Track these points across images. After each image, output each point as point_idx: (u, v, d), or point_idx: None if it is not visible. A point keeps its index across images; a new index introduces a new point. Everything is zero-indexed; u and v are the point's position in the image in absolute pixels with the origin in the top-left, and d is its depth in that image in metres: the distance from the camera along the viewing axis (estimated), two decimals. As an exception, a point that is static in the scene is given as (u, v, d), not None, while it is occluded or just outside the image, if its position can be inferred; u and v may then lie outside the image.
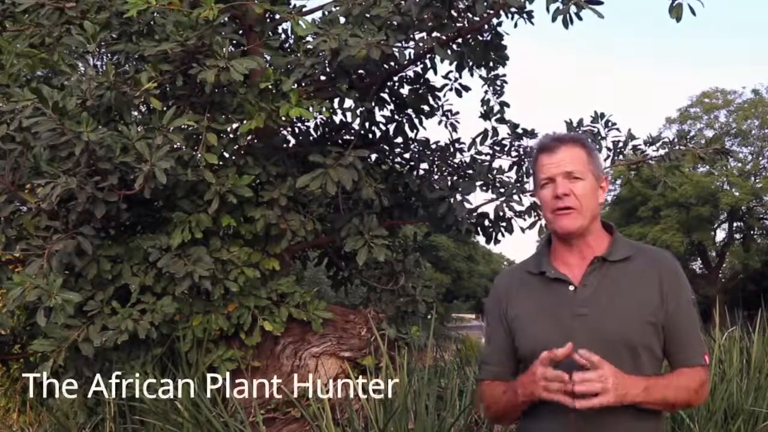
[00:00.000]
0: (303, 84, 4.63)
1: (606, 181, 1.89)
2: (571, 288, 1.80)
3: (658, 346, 1.78)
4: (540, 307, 1.83)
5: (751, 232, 29.78)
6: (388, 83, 5.45)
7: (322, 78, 4.58)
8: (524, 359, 1.85)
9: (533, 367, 1.70)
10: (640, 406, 1.68)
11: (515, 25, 5.10)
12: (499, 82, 5.70)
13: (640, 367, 1.74)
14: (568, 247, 1.84)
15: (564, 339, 1.72)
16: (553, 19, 3.79)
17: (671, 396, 1.72)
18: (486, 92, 5.72)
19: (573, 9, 3.77)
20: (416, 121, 5.61)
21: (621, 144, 5.28)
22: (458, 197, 5.02)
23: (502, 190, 5.20)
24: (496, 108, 5.68)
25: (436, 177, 5.59)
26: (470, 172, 5.47)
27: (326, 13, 4.49)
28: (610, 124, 5.30)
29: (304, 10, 4.50)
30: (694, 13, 3.58)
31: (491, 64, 5.56)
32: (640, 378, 1.68)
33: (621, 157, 5.30)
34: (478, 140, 5.61)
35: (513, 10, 4.84)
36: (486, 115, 5.68)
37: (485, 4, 4.19)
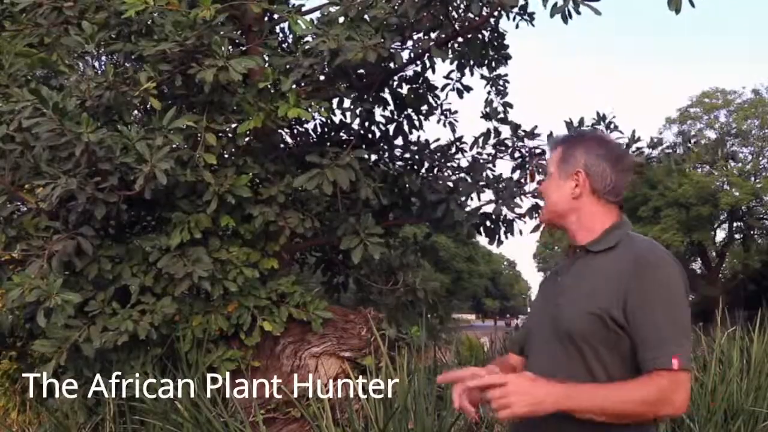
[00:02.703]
0: (302, 84, 4.63)
1: (579, 174, 1.82)
2: (559, 278, 1.86)
3: (615, 341, 1.66)
4: (540, 298, 1.94)
5: (751, 232, 29.78)
6: (388, 83, 5.45)
7: (321, 78, 4.58)
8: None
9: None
10: (577, 415, 1.58)
11: (516, 26, 5.12)
12: (501, 82, 5.70)
13: (598, 363, 1.67)
14: (570, 240, 1.91)
15: (539, 326, 1.84)
16: (552, 15, 3.80)
17: (609, 407, 1.58)
18: (489, 93, 5.71)
19: (570, 5, 3.78)
20: (416, 121, 5.61)
21: (624, 146, 5.26)
22: (456, 201, 5.01)
23: (502, 191, 5.19)
24: (500, 109, 5.66)
25: (436, 177, 5.59)
26: (471, 173, 5.47)
27: (324, 13, 4.49)
28: (612, 126, 5.30)
29: (302, 9, 4.50)
30: (693, 4, 3.55)
31: (493, 63, 5.56)
32: (559, 385, 1.58)
33: None
34: (480, 140, 5.61)
35: (515, 10, 4.85)
36: (488, 116, 5.66)
37: (480, 3, 4.19)
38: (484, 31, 5.19)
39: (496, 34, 5.36)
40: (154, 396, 4.23)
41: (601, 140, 1.91)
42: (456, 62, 5.38)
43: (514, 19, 5.05)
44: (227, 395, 4.35)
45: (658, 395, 1.58)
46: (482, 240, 5.73)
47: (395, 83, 5.55)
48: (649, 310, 1.64)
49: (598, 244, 1.79)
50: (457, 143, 5.73)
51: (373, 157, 5.40)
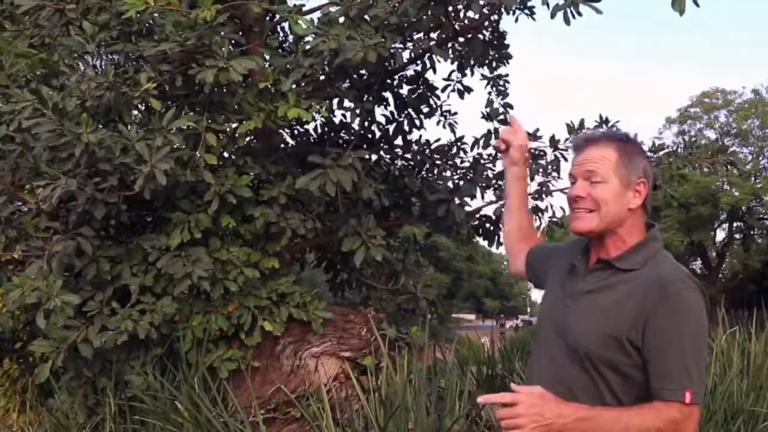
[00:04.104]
0: (302, 84, 4.63)
1: (643, 185, 1.74)
2: (578, 279, 1.79)
3: (626, 365, 1.65)
4: (556, 289, 1.86)
5: (751, 232, 29.74)
6: (388, 83, 5.45)
7: (321, 78, 4.58)
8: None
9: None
10: None
11: (516, 20, 5.10)
12: (501, 82, 5.68)
13: (602, 381, 1.66)
14: (593, 243, 1.82)
15: (550, 324, 1.80)
16: (552, 16, 3.79)
17: (618, 431, 1.58)
18: (490, 93, 5.70)
19: (570, 8, 3.77)
20: (416, 121, 5.61)
21: None
22: (456, 201, 5.01)
23: (502, 193, 5.20)
24: (501, 110, 5.64)
25: (436, 177, 5.59)
26: (471, 173, 5.47)
27: (325, 13, 4.49)
28: (614, 129, 5.28)
29: (303, 10, 4.49)
30: (697, 4, 3.52)
31: (494, 64, 5.55)
32: (574, 407, 1.59)
33: None
34: (481, 141, 5.60)
35: (514, 6, 4.85)
36: (489, 117, 5.65)
37: (481, 3, 4.19)
38: (484, 31, 5.18)
39: (496, 34, 5.36)
40: (154, 396, 4.24)
41: (639, 144, 1.80)
42: (456, 62, 5.38)
43: (514, 13, 5.05)
44: (227, 395, 4.35)
45: (671, 427, 1.58)
46: (482, 240, 5.73)
47: (395, 83, 5.55)
48: (668, 339, 1.61)
49: (625, 261, 1.72)
50: (458, 143, 5.73)
51: (374, 157, 5.40)
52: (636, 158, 1.74)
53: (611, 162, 1.72)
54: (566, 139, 5.39)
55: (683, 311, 1.62)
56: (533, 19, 5.09)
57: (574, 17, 3.85)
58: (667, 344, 1.61)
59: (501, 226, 5.48)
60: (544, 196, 5.35)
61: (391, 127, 5.60)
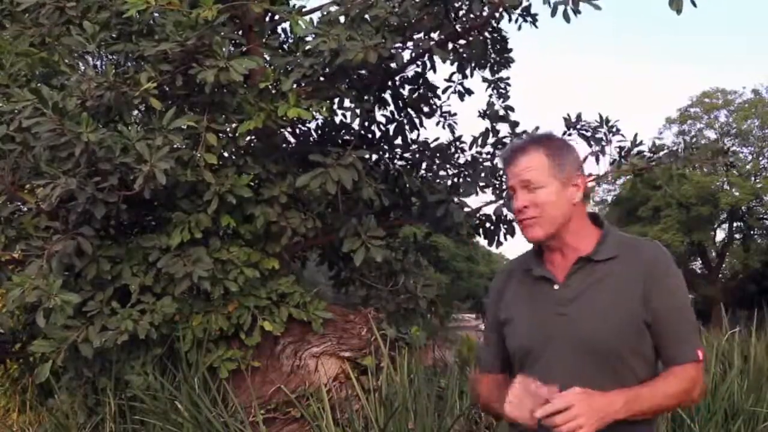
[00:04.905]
0: (302, 84, 4.63)
1: (581, 179, 1.77)
2: (555, 287, 1.77)
3: (647, 347, 1.72)
4: (526, 307, 1.82)
5: (751, 232, 29.76)
6: (388, 83, 5.45)
7: (321, 78, 4.58)
8: (512, 359, 1.87)
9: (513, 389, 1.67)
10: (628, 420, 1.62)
11: (519, 28, 5.10)
12: (502, 85, 5.68)
13: (627, 370, 1.69)
14: (549, 248, 1.81)
15: (545, 339, 1.75)
16: (553, 14, 3.80)
17: (658, 402, 1.66)
18: (491, 96, 5.69)
19: (570, 5, 3.79)
20: (416, 121, 5.61)
21: (625, 150, 5.23)
22: (455, 201, 5.01)
23: (502, 192, 5.19)
24: (501, 112, 5.62)
25: (435, 177, 5.59)
26: (470, 172, 5.47)
27: (325, 13, 4.49)
28: (614, 129, 5.27)
29: (303, 10, 4.50)
30: (695, 4, 3.53)
31: (495, 67, 5.55)
32: (618, 393, 1.62)
33: (625, 161, 5.25)
34: (479, 140, 5.59)
35: (517, 12, 4.85)
36: (489, 116, 5.64)
37: (481, 3, 4.19)
38: (485, 33, 5.18)
39: (497, 36, 5.35)
40: (154, 396, 4.24)
41: (563, 139, 1.88)
42: (457, 63, 5.37)
43: (516, 20, 5.05)
44: (227, 395, 4.35)
45: (693, 385, 1.71)
46: (482, 240, 5.72)
47: (396, 83, 5.55)
48: (673, 308, 1.73)
49: (603, 252, 1.76)
50: (456, 143, 5.73)
51: (374, 157, 5.40)
52: (566, 154, 1.77)
53: (544, 166, 1.74)
54: (564, 133, 5.36)
55: (673, 277, 1.75)
56: (535, 26, 5.09)
57: (575, 15, 3.86)
58: (673, 313, 1.72)
59: (501, 225, 5.48)
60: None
61: (391, 127, 5.61)
